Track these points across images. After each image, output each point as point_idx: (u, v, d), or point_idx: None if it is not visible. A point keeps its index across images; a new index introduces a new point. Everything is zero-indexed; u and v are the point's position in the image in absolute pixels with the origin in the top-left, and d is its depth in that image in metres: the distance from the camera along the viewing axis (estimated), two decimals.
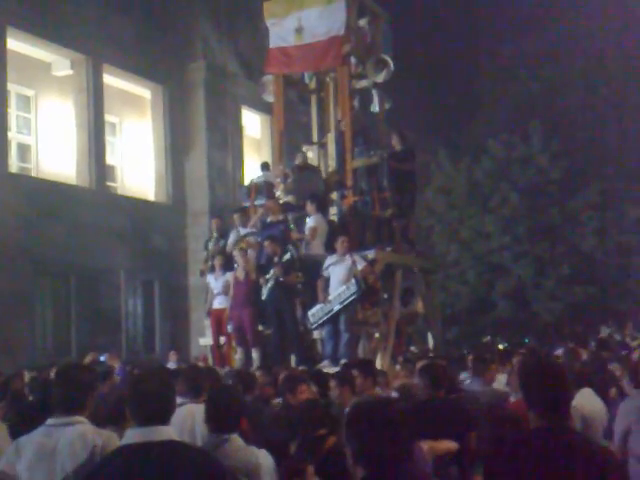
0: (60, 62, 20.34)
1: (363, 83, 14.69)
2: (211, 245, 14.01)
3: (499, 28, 30.12)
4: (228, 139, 23.75)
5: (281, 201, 13.52)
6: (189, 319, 22.01)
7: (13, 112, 19.45)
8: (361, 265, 11.59)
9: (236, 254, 12.57)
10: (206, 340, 13.55)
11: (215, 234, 14.04)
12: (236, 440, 4.16)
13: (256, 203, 14.16)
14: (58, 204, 18.74)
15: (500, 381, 8.18)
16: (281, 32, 14.18)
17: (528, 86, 27.86)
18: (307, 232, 12.45)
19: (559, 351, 13.85)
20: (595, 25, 27.99)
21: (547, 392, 3.38)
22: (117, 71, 21.41)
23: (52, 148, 20.09)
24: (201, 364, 12.76)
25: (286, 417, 5.58)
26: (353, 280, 11.36)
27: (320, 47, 13.77)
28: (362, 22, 14.75)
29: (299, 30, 13.94)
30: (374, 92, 14.75)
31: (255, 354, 12.10)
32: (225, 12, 24.45)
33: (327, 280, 11.65)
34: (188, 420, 5.49)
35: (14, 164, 19.39)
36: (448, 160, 26.16)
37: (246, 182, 18.69)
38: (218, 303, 12.70)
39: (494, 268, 24.56)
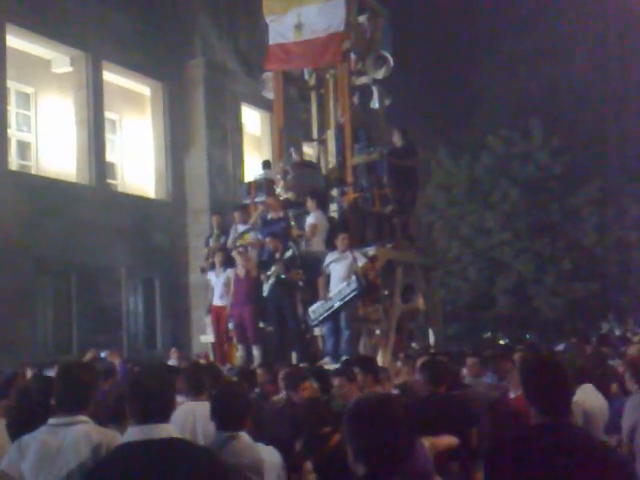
0: (60, 59, 20.32)
1: (363, 79, 14.66)
2: (212, 242, 14.01)
3: (499, 24, 30.10)
4: (228, 136, 23.73)
5: (281, 198, 13.51)
6: (190, 317, 22.01)
7: (13, 109, 19.44)
8: (362, 262, 11.59)
9: (235, 254, 12.56)
10: (207, 337, 13.55)
11: (216, 231, 14.03)
12: (243, 437, 4.16)
13: (256, 200, 14.15)
14: (58, 202, 18.74)
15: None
16: (280, 29, 14.16)
17: (528, 82, 27.84)
18: (307, 229, 12.43)
19: (560, 347, 13.87)
20: (594, 22, 27.96)
21: (547, 388, 3.37)
22: (117, 68, 21.39)
23: (52, 145, 20.08)
24: (202, 361, 12.77)
25: (289, 414, 5.58)
26: (354, 277, 11.36)
27: (320, 43, 13.75)
28: (362, 18, 14.72)
29: (298, 26, 13.92)
30: (374, 88, 14.72)
31: (256, 351, 12.10)
32: (224, 9, 24.43)
33: (328, 277, 11.65)
34: (189, 418, 5.48)
35: (14, 162, 19.38)
36: (448, 156, 26.15)
37: (246, 179, 18.69)
38: (219, 300, 12.69)
39: (495, 264, 24.57)
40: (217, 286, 12.76)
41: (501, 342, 22.04)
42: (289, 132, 15.40)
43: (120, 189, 22.08)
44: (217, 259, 12.88)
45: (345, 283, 11.40)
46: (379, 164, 13.35)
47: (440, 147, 26.46)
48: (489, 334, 25.58)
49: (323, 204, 12.93)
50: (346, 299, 11.37)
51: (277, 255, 11.91)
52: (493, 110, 28.66)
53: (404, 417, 2.91)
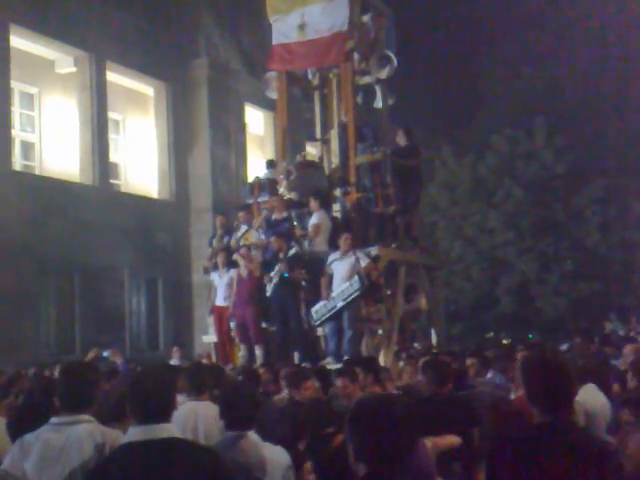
0: (63, 60, 20.35)
1: (366, 79, 14.64)
2: (215, 242, 14.00)
3: (503, 24, 30.08)
4: (231, 136, 23.74)
5: (284, 198, 13.49)
6: (193, 316, 22.03)
7: (17, 110, 19.47)
8: (364, 262, 11.58)
9: (237, 257, 12.56)
10: (209, 337, 13.55)
11: (219, 231, 14.00)
12: (251, 437, 4.16)
13: (259, 200, 14.14)
14: (62, 202, 18.76)
15: None
16: (284, 28, 14.15)
17: (532, 82, 27.81)
18: (310, 229, 12.42)
19: (564, 346, 13.84)
20: (598, 22, 27.92)
21: (550, 388, 3.36)
22: (120, 68, 21.41)
23: (55, 146, 20.11)
24: (205, 361, 12.77)
25: (291, 413, 5.58)
26: (356, 277, 11.35)
27: (323, 43, 13.74)
28: (365, 18, 14.69)
29: (302, 26, 13.91)
30: (377, 88, 14.70)
31: (258, 351, 12.10)
32: (228, 9, 24.45)
33: (330, 277, 11.64)
34: (190, 417, 5.48)
35: (18, 162, 19.41)
36: (452, 156, 26.13)
37: (249, 179, 18.68)
38: (221, 300, 12.69)
39: (498, 264, 24.55)
40: (220, 286, 12.76)
41: (504, 342, 21.99)
42: (292, 132, 15.39)
43: (123, 189, 22.10)
44: (220, 259, 12.88)
45: (348, 283, 11.39)
46: (382, 164, 13.33)
47: (444, 146, 26.43)
48: (492, 334, 25.55)
49: (326, 204, 12.92)
50: (349, 299, 11.37)
51: (281, 255, 11.91)
52: (497, 109, 28.63)
53: (405, 417, 2.91)
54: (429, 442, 4.63)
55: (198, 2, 23.64)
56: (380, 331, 12.44)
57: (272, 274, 11.91)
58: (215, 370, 7.26)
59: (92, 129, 20.31)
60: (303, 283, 12.15)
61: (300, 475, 4.49)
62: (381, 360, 11.40)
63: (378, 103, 14.92)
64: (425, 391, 6.26)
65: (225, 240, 13.61)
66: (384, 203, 13.25)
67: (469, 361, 8.74)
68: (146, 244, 20.96)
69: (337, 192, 13.69)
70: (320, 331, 12.09)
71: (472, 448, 5.47)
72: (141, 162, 22.68)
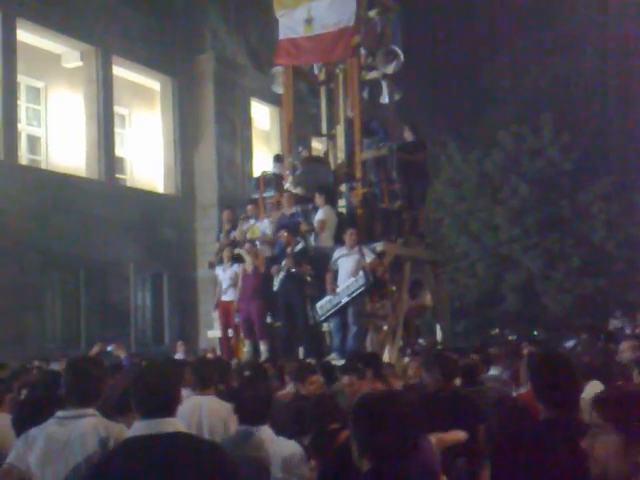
0: (70, 54, 20.37)
1: (373, 74, 14.60)
2: (222, 237, 13.99)
3: (510, 20, 29.99)
4: (237, 131, 23.74)
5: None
6: (198, 311, 22.05)
7: (23, 104, 19.50)
8: (370, 257, 11.56)
9: (242, 252, 12.55)
10: (214, 332, 13.55)
11: (227, 226, 13.95)
12: (266, 431, 4.17)
13: (265, 195, 14.13)
14: (67, 196, 18.79)
15: None
16: (291, 23, 14.11)
17: (539, 78, 27.74)
18: (316, 224, 12.41)
19: (569, 343, 13.79)
20: (605, 18, 27.83)
21: (556, 384, 3.35)
22: (127, 63, 21.42)
23: (62, 140, 20.13)
24: (210, 355, 12.79)
25: (296, 407, 5.57)
26: (361, 272, 11.33)
27: (330, 38, 13.70)
28: (372, 13, 14.66)
29: (309, 21, 13.88)
30: (384, 83, 14.67)
31: (263, 347, 12.10)
32: (234, 3, 24.42)
33: (335, 272, 11.62)
34: (195, 412, 5.48)
35: (24, 156, 19.45)
36: (458, 152, 26.07)
37: (255, 174, 18.66)
38: (226, 296, 12.69)
39: (503, 260, 24.50)
40: (224, 281, 12.76)
41: (510, 338, 21.97)
42: (298, 127, 15.37)
43: (129, 184, 22.12)
44: (225, 254, 12.87)
45: (353, 279, 11.38)
46: (388, 159, 13.30)
47: (450, 142, 26.37)
48: (497, 330, 25.51)
49: (332, 199, 12.90)
50: (354, 295, 11.35)
51: (289, 249, 11.88)
52: (503, 106, 28.57)
53: (408, 414, 2.90)
54: (434, 438, 4.61)
55: None
56: (385, 327, 12.43)
57: (279, 267, 11.89)
58: (221, 365, 7.26)
59: (98, 123, 20.33)
60: (308, 279, 12.14)
61: None
62: (386, 356, 11.40)
63: (384, 98, 14.88)
64: (430, 386, 6.24)
65: (232, 235, 13.58)
66: (390, 199, 13.23)
67: (471, 357, 8.71)
68: (151, 239, 20.98)
69: (343, 187, 13.67)
70: (325, 327, 12.08)
71: (477, 444, 5.45)
72: (147, 157, 22.70)
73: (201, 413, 5.48)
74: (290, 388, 7.05)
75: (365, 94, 14.64)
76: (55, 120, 20.05)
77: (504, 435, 3.93)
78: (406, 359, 10.58)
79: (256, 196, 14.33)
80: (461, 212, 25.58)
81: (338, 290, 11.45)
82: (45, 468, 3.83)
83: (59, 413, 3.98)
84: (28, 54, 19.00)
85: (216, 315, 13.27)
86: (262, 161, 23.14)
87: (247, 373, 8.02)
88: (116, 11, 20.87)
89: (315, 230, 12.42)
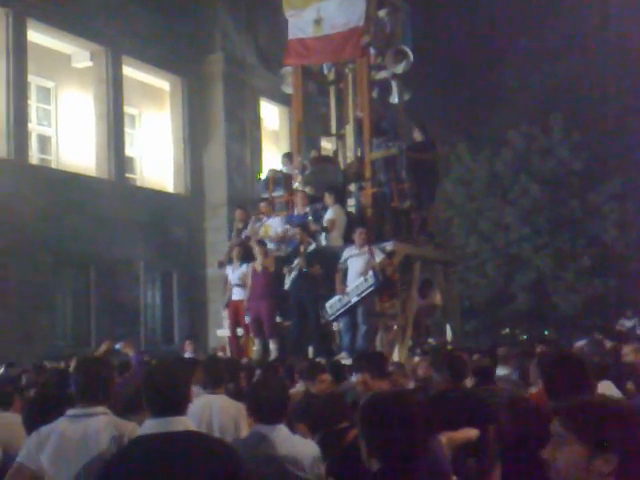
0: (80, 54, 20.45)
1: (382, 74, 14.58)
2: (233, 236, 13.98)
3: (520, 19, 29.90)
4: (246, 131, 23.76)
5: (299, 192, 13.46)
6: (207, 310, 22.09)
7: (33, 104, 19.58)
8: (379, 257, 11.55)
9: (254, 245, 12.55)
10: (223, 331, 13.57)
11: (239, 225, 13.95)
12: (282, 430, 4.17)
13: (274, 195, 14.13)
14: (78, 196, 18.86)
15: None
16: (300, 23, 14.12)
17: (549, 78, 27.65)
18: (325, 224, 12.41)
19: (580, 343, 13.75)
20: (616, 17, 27.72)
21: (569, 382, 3.34)
22: (136, 63, 21.48)
23: (72, 140, 20.21)
24: (221, 354, 12.81)
25: (306, 407, 5.56)
26: (371, 272, 11.32)
27: (339, 38, 13.70)
28: (381, 13, 14.64)
29: (318, 21, 13.88)
30: (393, 83, 14.65)
31: (272, 346, 12.11)
32: (244, 4, 24.44)
33: (345, 272, 11.62)
34: (206, 411, 5.49)
35: (34, 156, 19.53)
36: (468, 151, 26.02)
37: (264, 174, 18.65)
38: (236, 295, 12.70)
39: (513, 260, 24.43)
40: (234, 280, 12.77)
41: (521, 338, 21.94)
42: (308, 127, 15.37)
43: (139, 183, 22.19)
44: (234, 254, 12.88)
45: (362, 278, 11.37)
46: (398, 159, 13.29)
47: (459, 142, 26.30)
48: (507, 330, 25.45)
49: (341, 199, 12.90)
50: (363, 294, 11.34)
51: (302, 248, 11.86)
52: (513, 105, 28.48)
53: (418, 413, 2.89)
54: (444, 438, 4.61)
55: None
56: (395, 326, 12.42)
57: (292, 266, 11.87)
58: (231, 364, 7.27)
59: (108, 123, 20.39)
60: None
61: None
62: (395, 355, 11.39)
63: (394, 98, 14.86)
64: (440, 386, 6.22)
65: (243, 234, 13.58)
66: (399, 198, 13.22)
67: (475, 357, 8.67)
68: (161, 238, 21.03)
69: (352, 187, 13.66)
70: (335, 326, 12.08)
71: (487, 444, 5.43)
72: (157, 156, 22.75)
73: (212, 412, 5.49)
74: (300, 386, 7.06)
75: (374, 94, 14.63)
76: (65, 120, 20.12)
77: (515, 435, 3.92)
78: (416, 358, 10.57)
79: (266, 195, 14.33)
80: (471, 212, 25.52)
81: (348, 290, 11.45)
82: (58, 466, 3.83)
83: (70, 411, 3.99)
84: (38, 54, 19.07)
85: (226, 314, 13.28)
86: (271, 161, 23.16)
87: (258, 372, 8.03)
88: (126, 11, 20.92)
89: (325, 229, 12.42)
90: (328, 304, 11.65)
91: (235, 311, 12.72)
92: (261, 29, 24.78)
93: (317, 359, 10.18)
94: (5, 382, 9.03)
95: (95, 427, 3.89)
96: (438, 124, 23.79)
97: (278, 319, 12.42)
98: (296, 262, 11.80)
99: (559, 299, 23.80)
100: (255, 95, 24.28)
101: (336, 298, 11.57)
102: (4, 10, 18.04)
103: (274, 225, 13.13)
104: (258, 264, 12.31)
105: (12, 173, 17.65)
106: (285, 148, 23.11)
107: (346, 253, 11.71)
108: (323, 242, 12.48)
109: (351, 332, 11.42)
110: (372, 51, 14.19)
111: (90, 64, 20.54)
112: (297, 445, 4.16)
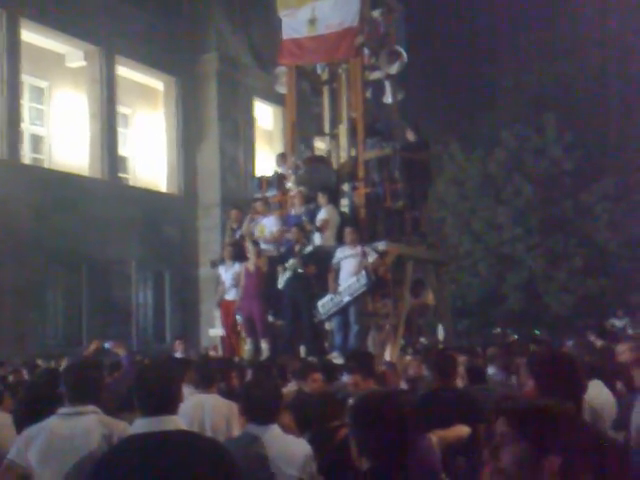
0: (73, 53, 20.42)
1: (376, 74, 14.60)
2: (226, 236, 13.97)
3: (514, 20, 29.98)
4: (240, 130, 23.76)
5: (291, 193, 13.47)
6: (199, 310, 22.09)
7: (26, 103, 19.55)
8: (372, 257, 11.57)
9: (248, 244, 12.55)
10: (216, 331, 13.57)
11: (234, 225, 13.94)
12: (275, 430, 4.18)
13: (267, 195, 14.13)
14: (70, 195, 18.83)
15: None
16: (294, 23, 14.13)
17: (542, 78, 27.72)
18: (318, 224, 12.42)
19: (570, 343, 13.79)
20: (610, 18, 27.82)
21: (560, 382, 3.36)
22: (130, 63, 21.46)
23: (65, 139, 20.18)
24: (213, 353, 12.81)
25: (299, 405, 5.58)
26: (363, 272, 11.35)
27: (333, 38, 13.71)
28: (376, 13, 14.65)
29: (312, 21, 13.89)
30: (387, 84, 14.67)
31: (264, 345, 12.11)
32: (238, 3, 24.44)
33: (337, 272, 11.64)
34: (198, 410, 5.50)
35: (27, 155, 19.49)
36: (461, 151, 26.08)
37: (258, 174, 18.66)
38: (229, 294, 12.70)
39: (506, 260, 24.50)
40: (227, 280, 12.77)
41: (512, 338, 21.98)
42: (301, 126, 15.37)
43: (132, 183, 22.16)
44: (226, 253, 12.88)
45: (355, 278, 11.39)
46: (391, 159, 13.32)
47: (452, 142, 26.36)
48: (499, 330, 25.51)
49: (334, 199, 12.92)
50: (355, 294, 11.37)
51: (297, 248, 11.87)
52: (506, 105, 28.55)
53: (407, 413, 2.92)
54: (435, 436, 4.63)
55: None
56: (387, 326, 12.44)
57: (286, 266, 11.88)
58: (223, 363, 7.28)
59: (101, 123, 20.37)
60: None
61: None
62: (387, 355, 11.41)
63: (387, 98, 14.89)
64: (431, 384, 6.25)
65: (237, 234, 13.57)
66: (392, 198, 13.24)
67: (460, 358, 8.67)
68: (154, 238, 21.02)
69: (345, 187, 13.68)
70: (328, 325, 12.10)
71: (477, 443, 5.46)
72: (150, 156, 22.73)
73: (204, 411, 5.50)
74: (292, 386, 7.07)
75: (368, 94, 14.64)
76: (58, 119, 20.10)
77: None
78: (407, 358, 10.60)
79: (259, 195, 14.32)
80: (464, 211, 25.58)
81: (340, 289, 11.48)
82: (47, 464, 3.84)
83: (61, 410, 4.01)
84: (32, 54, 19.04)
85: (218, 313, 13.28)
86: (265, 161, 23.17)
87: (250, 372, 8.04)
88: (120, 11, 20.90)
89: (318, 229, 12.43)
90: (320, 303, 11.66)
91: (227, 311, 12.73)
92: (255, 29, 24.78)
93: (309, 358, 10.20)
94: None
95: (85, 425, 3.90)
96: (431, 124, 23.84)
97: (270, 319, 12.43)
98: (291, 262, 11.82)
99: (551, 299, 23.88)
100: (249, 95, 24.28)
101: (328, 297, 11.59)
102: None
103: (269, 225, 13.12)
104: (251, 264, 12.31)
105: (5, 173, 17.62)
106: (279, 148, 23.13)
107: (339, 253, 11.72)
108: (317, 242, 12.50)
109: (343, 332, 11.45)
110: (366, 51, 14.20)
111: (84, 64, 20.52)
112: (290, 445, 4.17)
